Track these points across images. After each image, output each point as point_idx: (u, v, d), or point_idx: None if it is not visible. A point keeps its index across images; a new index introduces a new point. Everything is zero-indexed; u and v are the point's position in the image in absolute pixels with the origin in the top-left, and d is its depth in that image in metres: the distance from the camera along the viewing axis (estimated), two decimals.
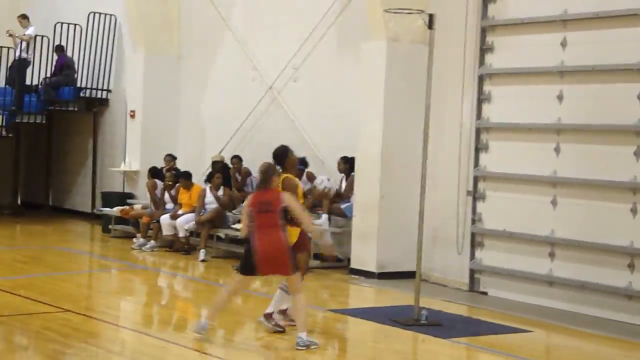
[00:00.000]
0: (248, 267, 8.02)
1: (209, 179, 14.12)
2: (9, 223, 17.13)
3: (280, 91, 14.47)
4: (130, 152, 16.67)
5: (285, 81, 14.39)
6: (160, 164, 15.31)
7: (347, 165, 12.73)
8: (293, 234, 8.27)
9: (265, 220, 7.91)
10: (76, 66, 17.60)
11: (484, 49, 11.46)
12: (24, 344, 8.22)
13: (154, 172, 14.94)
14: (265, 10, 14.93)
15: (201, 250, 13.37)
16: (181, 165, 15.29)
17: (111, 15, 17.51)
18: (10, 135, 17.56)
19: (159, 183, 14.80)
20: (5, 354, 7.66)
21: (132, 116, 16.56)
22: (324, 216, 12.55)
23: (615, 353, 8.69)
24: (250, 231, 8.01)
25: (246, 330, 8.90)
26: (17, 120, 17.34)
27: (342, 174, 12.97)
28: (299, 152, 12.56)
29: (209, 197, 13.82)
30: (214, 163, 14.74)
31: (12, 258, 13.00)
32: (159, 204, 14.64)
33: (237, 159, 14.53)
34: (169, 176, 14.65)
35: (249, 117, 14.91)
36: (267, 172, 8.12)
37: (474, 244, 11.50)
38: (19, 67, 17.26)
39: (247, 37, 15.19)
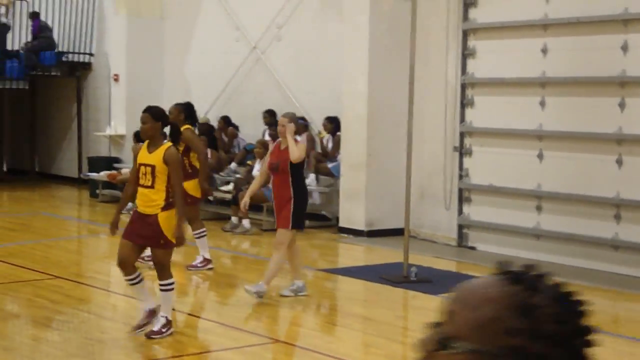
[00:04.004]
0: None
1: None
2: None
3: (264, 51, 14.36)
4: (115, 116, 16.57)
5: (269, 41, 14.28)
6: None
7: (333, 124, 12.71)
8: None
9: None
10: (57, 30, 17.41)
11: (468, 4, 11.38)
12: (15, 312, 8.23)
13: (140, 136, 14.81)
14: None
15: None
16: (166, 129, 15.15)
17: None
18: None
19: None
20: None
21: (116, 80, 16.44)
22: (312, 175, 12.55)
23: (604, 303, 8.77)
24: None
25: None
26: None
27: (329, 134, 12.95)
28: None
29: None
30: (199, 125, 14.64)
31: (0, 226, 12.97)
32: None
33: (223, 120, 14.47)
34: None
35: (234, 77, 14.82)
36: None
37: (462, 200, 11.54)
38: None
39: None
